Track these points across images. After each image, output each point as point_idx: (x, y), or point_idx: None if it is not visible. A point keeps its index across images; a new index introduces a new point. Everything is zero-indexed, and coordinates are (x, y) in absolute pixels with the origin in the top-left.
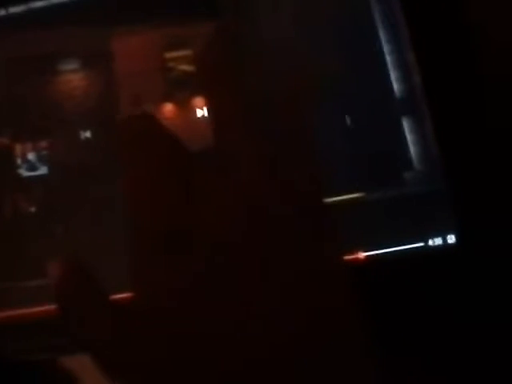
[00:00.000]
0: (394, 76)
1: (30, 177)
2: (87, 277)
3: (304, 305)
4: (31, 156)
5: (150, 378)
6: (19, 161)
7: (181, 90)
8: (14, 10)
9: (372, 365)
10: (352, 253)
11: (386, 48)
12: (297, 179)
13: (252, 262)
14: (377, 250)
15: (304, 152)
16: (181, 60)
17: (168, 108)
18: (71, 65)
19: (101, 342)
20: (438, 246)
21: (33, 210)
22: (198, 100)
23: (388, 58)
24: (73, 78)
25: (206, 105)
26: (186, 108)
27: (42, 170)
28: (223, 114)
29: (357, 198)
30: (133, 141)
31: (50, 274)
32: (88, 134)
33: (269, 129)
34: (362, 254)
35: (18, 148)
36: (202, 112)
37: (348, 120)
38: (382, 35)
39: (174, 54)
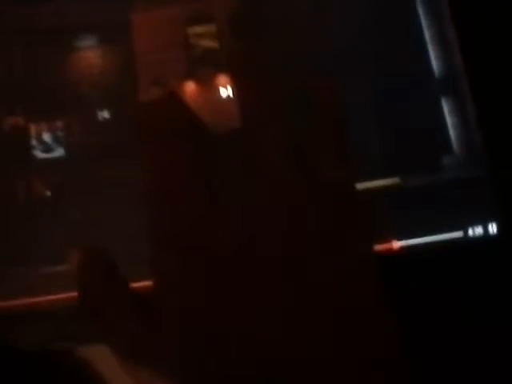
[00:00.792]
0: (433, 53)
1: (45, 159)
2: (110, 265)
3: (335, 297)
4: (46, 137)
5: (169, 367)
6: (34, 142)
7: (204, 67)
8: None
9: (404, 360)
10: (386, 242)
11: (424, 22)
12: (326, 165)
13: (278, 253)
14: (412, 239)
15: (334, 136)
16: (204, 36)
17: (190, 87)
18: (88, 41)
19: (120, 331)
20: (478, 236)
21: (48, 193)
22: (222, 78)
23: (427, 34)
24: (90, 54)
25: (231, 84)
26: (209, 87)
27: (58, 152)
28: (249, 95)
29: (392, 183)
30: (155, 127)
31: (72, 261)
32: (106, 114)
33: (297, 110)
34: (397, 244)
35: (33, 128)
36: (226, 91)
37: (383, 100)
38: (421, 8)
39: (197, 29)
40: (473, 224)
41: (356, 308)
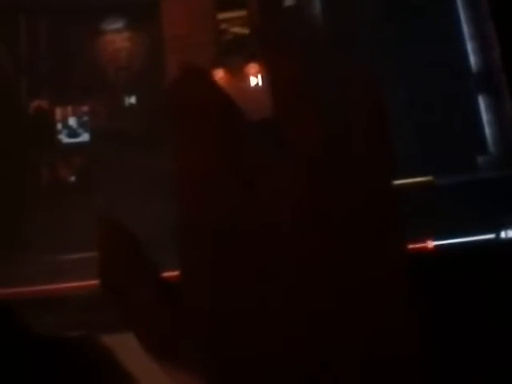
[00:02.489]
0: (471, 49)
1: (70, 143)
2: (135, 244)
3: (365, 295)
4: (72, 121)
5: (194, 357)
6: (59, 126)
7: (234, 54)
8: None
9: (426, 359)
10: (420, 241)
11: (463, 18)
12: (364, 158)
13: (309, 248)
14: (444, 239)
15: (373, 126)
16: (234, 21)
17: (219, 74)
18: (116, 24)
19: (146, 320)
20: (511, 239)
21: (73, 178)
22: (253, 66)
23: (466, 29)
24: (117, 38)
25: (261, 72)
26: (239, 75)
27: (83, 137)
28: (281, 84)
29: (425, 181)
30: (183, 107)
31: (94, 237)
32: (132, 100)
33: (333, 101)
34: (431, 243)
35: (58, 112)
36: (256, 80)
37: (418, 95)
38: (460, 4)
39: (227, 14)
40: (506, 226)
41: (383, 307)
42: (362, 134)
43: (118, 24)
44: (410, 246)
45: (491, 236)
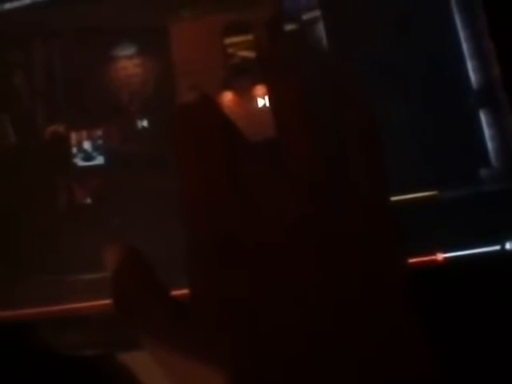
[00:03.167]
0: (471, 65)
1: (85, 167)
2: (146, 266)
3: (365, 308)
4: (87, 145)
5: (210, 369)
6: (75, 150)
7: (241, 77)
8: None
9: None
10: (428, 254)
11: (462, 34)
12: (360, 178)
13: (310, 265)
14: (450, 252)
15: (368, 148)
16: (241, 45)
17: (228, 97)
18: (127, 50)
19: (159, 338)
20: None
21: (88, 201)
22: (260, 88)
23: (464, 46)
24: (129, 64)
25: (266, 94)
26: (247, 97)
27: (98, 160)
28: (284, 105)
29: (429, 195)
30: (189, 130)
31: (107, 262)
32: (145, 123)
33: (330, 123)
34: (441, 256)
35: (73, 136)
36: (263, 101)
37: (421, 112)
38: (458, 20)
39: (234, 39)
40: (510, 238)
41: (388, 311)
42: (357, 156)
43: (130, 50)
44: (420, 259)
45: (496, 248)
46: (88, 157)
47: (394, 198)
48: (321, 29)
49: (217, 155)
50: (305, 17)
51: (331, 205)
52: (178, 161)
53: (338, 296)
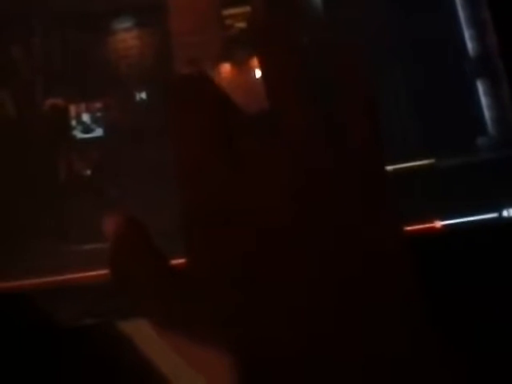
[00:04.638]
0: (468, 34)
1: (84, 139)
2: (145, 235)
3: (361, 276)
4: (86, 117)
5: (205, 339)
6: (74, 122)
7: (239, 49)
8: None
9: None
10: (427, 221)
11: (459, 4)
12: (355, 142)
13: (306, 234)
14: (448, 219)
15: (363, 115)
16: (239, 17)
17: (225, 68)
18: (125, 23)
19: (157, 305)
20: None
21: (88, 172)
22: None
23: (462, 15)
24: (127, 36)
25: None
26: (245, 68)
27: (97, 132)
28: (276, 74)
29: (427, 164)
30: (184, 102)
31: (106, 231)
32: (143, 95)
33: (324, 89)
34: (439, 223)
35: (72, 109)
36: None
37: (418, 82)
38: None
39: (232, 10)
40: (508, 205)
41: (384, 278)
42: (355, 123)
43: (128, 23)
44: (418, 227)
45: (494, 215)
46: (87, 129)
47: (391, 167)
48: None
49: (212, 126)
50: None
51: (328, 174)
52: (173, 132)
53: (337, 263)
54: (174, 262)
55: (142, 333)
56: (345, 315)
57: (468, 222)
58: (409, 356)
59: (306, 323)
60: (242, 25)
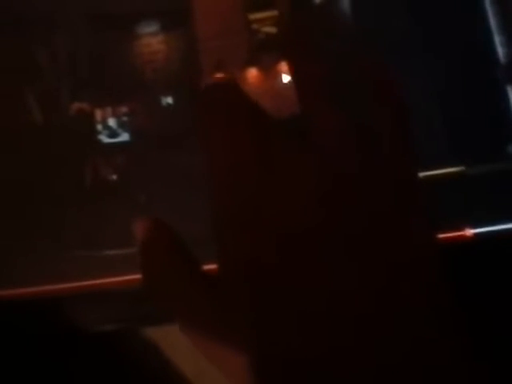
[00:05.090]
0: (498, 40)
1: (110, 143)
2: (176, 239)
3: (390, 285)
4: (112, 122)
5: (241, 344)
6: (100, 127)
7: (266, 53)
8: None
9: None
10: (457, 230)
11: (489, 10)
12: (388, 151)
13: (336, 240)
14: (477, 228)
15: (396, 122)
16: (266, 21)
17: (252, 73)
18: (151, 27)
19: (189, 311)
20: None
21: (114, 177)
22: (285, 64)
23: (492, 21)
24: (153, 41)
25: (289, 70)
26: (272, 73)
27: (123, 137)
28: (307, 78)
29: (457, 171)
30: (214, 109)
31: (135, 234)
32: (169, 100)
33: (356, 96)
34: (470, 231)
35: (98, 113)
36: (288, 77)
37: (448, 88)
38: None
39: (259, 15)
40: None
41: (414, 300)
42: (386, 130)
43: (153, 27)
44: (449, 235)
45: None
46: (113, 133)
47: (421, 174)
48: (346, 1)
49: (243, 131)
50: None
51: (360, 180)
52: (203, 138)
53: (365, 271)
54: (206, 267)
55: (167, 339)
56: (371, 323)
57: (499, 230)
58: (437, 363)
59: (330, 329)
60: (268, 29)
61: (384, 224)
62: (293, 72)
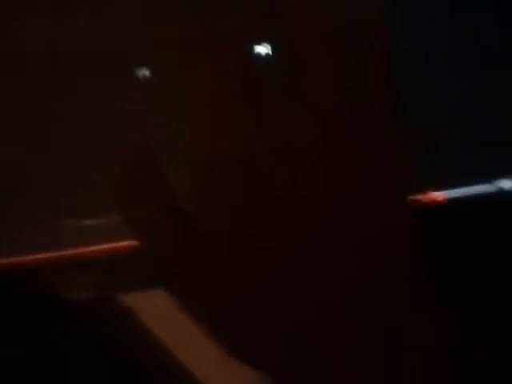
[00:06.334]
0: None
1: None
2: (152, 161)
3: (368, 238)
4: None
5: (201, 278)
6: None
7: None
8: None
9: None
10: (425, 192)
11: None
12: (375, 100)
13: (323, 195)
14: (451, 189)
15: (382, 72)
16: None
17: None
18: None
19: (161, 234)
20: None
21: None
22: None
23: None
24: None
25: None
26: None
27: None
28: (303, 23)
29: None
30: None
31: (118, 161)
32: None
33: (347, 48)
34: (438, 195)
35: None
36: None
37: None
38: None
39: None
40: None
41: (389, 243)
42: (372, 76)
43: None
44: (421, 198)
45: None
46: None
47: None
48: None
49: (233, 70)
50: None
51: (353, 135)
52: (184, 78)
53: (352, 232)
54: None
55: (143, 306)
56: (353, 284)
57: (469, 193)
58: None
59: (313, 289)
60: None
61: (370, 181)
62: (289, 16)
